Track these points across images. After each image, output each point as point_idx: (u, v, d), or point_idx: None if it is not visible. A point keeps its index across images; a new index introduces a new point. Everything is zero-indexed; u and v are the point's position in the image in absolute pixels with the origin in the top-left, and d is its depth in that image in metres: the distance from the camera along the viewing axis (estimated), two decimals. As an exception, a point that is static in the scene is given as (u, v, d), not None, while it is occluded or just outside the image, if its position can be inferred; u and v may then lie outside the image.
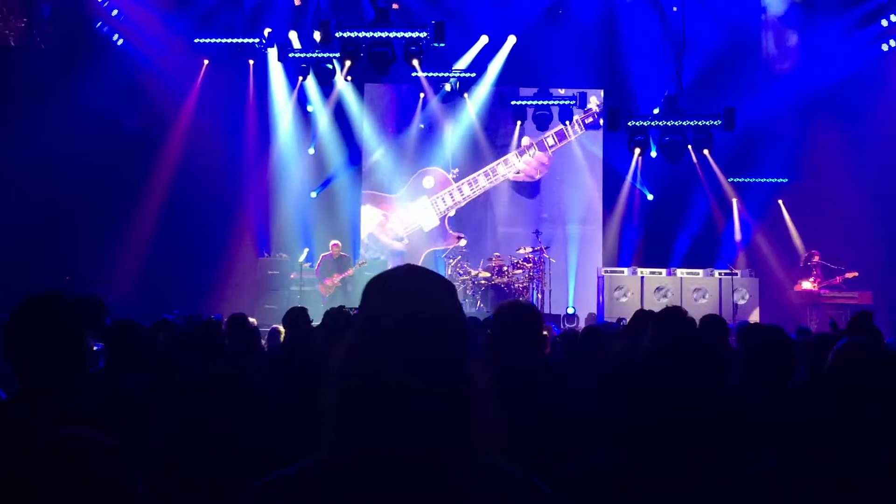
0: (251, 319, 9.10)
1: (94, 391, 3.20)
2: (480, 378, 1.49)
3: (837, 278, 13.29)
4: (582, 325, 12.51)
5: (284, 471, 1.51)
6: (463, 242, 15.46)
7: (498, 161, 16.31)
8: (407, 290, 1.49)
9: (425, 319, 1.46)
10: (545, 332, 6.64)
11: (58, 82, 12.70)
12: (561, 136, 16.03)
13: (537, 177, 16.29)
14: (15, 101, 12.25)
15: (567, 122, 15.83)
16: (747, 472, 1.82)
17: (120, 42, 13.99)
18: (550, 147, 16.12)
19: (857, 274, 13.15)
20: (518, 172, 16.28)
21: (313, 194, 15.65)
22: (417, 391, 1.41)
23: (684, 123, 12.97)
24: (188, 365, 4.52)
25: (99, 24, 13.64)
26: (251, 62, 14.93)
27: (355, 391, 1.44)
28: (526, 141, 16.19)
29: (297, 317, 5.23)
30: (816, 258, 13.58)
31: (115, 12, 13.66)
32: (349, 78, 14.32)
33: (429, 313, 1.47)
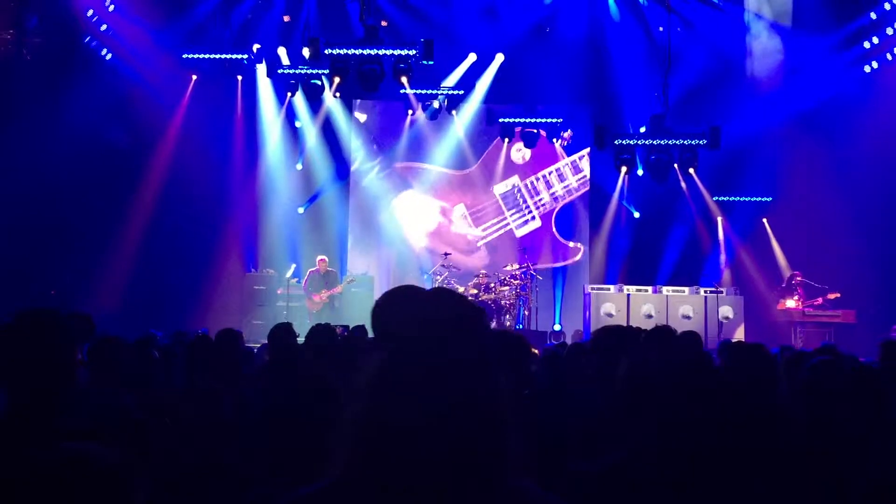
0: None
1: (82, 407, 3.20)
2: (508, 401, 1.46)
3: (820, 299, 13.39)
4: (568, 342, 12.53)
5: (301, 491, 1.46)
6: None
7: None
8: (433, 314, 1.49)
9: (452, 343, 1.44)
10: (535, 351, 6.67)
11: (45, 96, 12.66)
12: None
13: None
14: (0, 113, 12.21)
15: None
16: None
17: (108, 57, 13.99)
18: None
19: (839, 295, 13.24)
20: None
21: (301, 210, 15.65)
22: (443, 414, 1.38)
23: (670, 142, 13.06)
24: (176, 381, 4.52)
25: (87, 38, 13.63)
26: (240, 78, 14.94)
27: (379, 413, 1.41)
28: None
29: (281, 333, 5.21)
30: (798, 278, 13.70)
31: (103, 27, 13.67)
32: (338, 94, 14.37)
33: (456, 336, 1.46)
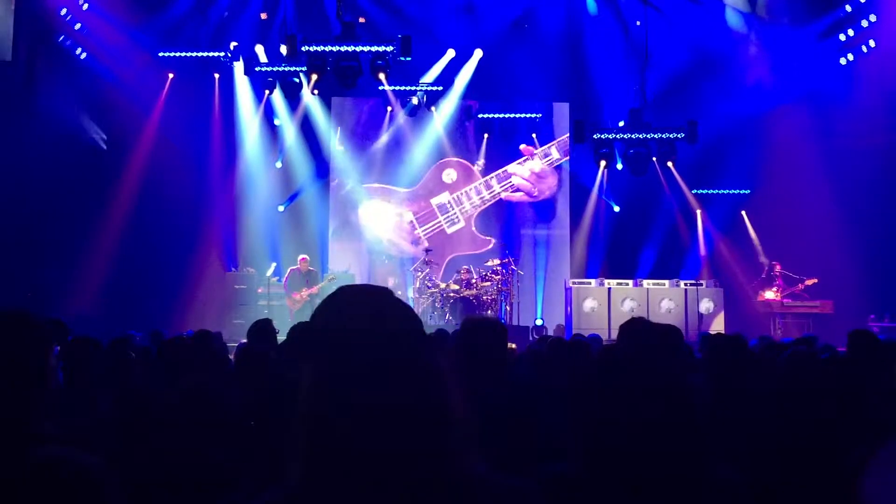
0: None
1: (56, 410, 3.16)
2: (454, 389, 1.43)
3: (798, 286, 13.53)
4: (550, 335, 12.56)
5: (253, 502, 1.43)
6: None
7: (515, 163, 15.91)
8: (362, 308, 1.45)
9: (386, 335, 1.42)
10: (513, 346, 6.68)
11: (19, 95, 12.52)
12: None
13: (535, 193, 15.94)
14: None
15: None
16: (708, 479, 1.83)
17: (83, 56, 13.84)
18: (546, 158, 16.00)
19: (816, 280, 13.40)
20: (515, 190, 15.89)
21: (281, 208, 15.58)
22: (388, 410, 1.36)
23: (648, 136, 13.11)
24: (153, 382, 4.48)
25: (61, 37, 13.49)
26: (217, 76, 14.86)
27: (324, 417, 1.37)
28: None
29: (262, 329, 5.18)
30: (778, 268, 13.82)
31: (77, 26, 13.52)
32: (316, 91, 14.31)
33: (388, 328, 1.43)
